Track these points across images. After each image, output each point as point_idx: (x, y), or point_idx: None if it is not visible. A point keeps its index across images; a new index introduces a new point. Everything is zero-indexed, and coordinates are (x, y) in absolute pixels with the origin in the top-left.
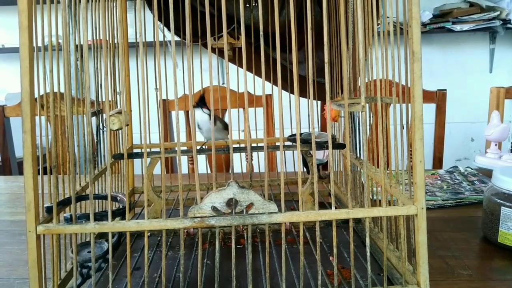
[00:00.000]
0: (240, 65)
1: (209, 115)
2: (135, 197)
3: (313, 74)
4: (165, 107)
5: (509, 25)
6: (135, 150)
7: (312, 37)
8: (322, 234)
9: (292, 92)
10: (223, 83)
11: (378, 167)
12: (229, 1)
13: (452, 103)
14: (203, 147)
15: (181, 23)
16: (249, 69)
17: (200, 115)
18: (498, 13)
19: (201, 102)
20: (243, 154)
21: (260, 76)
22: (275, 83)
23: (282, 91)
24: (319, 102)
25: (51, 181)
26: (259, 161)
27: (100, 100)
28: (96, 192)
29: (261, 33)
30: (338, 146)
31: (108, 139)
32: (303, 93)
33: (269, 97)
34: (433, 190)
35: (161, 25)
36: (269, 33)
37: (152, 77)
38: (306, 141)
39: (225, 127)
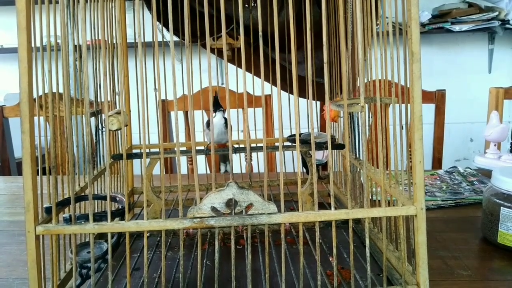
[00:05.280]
0: (239, 66)
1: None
2: (135, 198)
3: (312, 74)
4: (164, 107)
5: (508, 26)
6: (134, 151)
7: (311, 38)
8: (322, 235)
9: (291, 92)
10: (222, 84)
11: (377, 167)
12: (228, 2)
13: (451, 103)
14: (206, 149)
15: (180, 23)
16: (248, 69)
17: (220, 119)
18: (497, 13)
19: (218, 104)
20: (242, 155)
21: (259, 76)
22: (274, 83)
23: (281, 91)
24: (318, 103)
25: (50, 181)
26: (259, 161)
27: (99, 100)
28: (95, 193)
29: (260, 33)
30: (338, 146)
31: (107, 140)
32: (302, 93)
33: (268, 97)
34: (433, 191)
35: (160, 26)
36: (268, 33)
37: (151, 77)
38: (305, 141)
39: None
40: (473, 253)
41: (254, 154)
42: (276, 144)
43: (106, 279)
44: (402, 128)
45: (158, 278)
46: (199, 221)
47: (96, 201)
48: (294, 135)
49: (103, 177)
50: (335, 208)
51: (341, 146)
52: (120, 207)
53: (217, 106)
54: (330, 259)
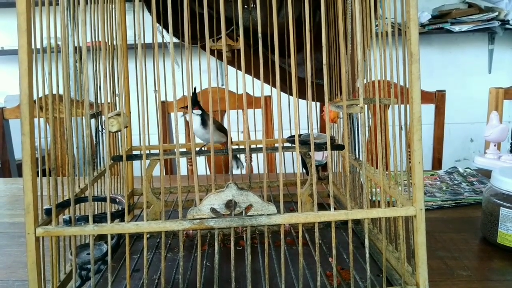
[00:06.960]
0: (239, 67)
1: (199, 115)
2: (134, 199)
3: (312, 75)
4: (164, 108)
5: (507, 26)
6: (134, 152)
7: (311, 39)
8: (321, 235)
9: (291, 93)
10: (222, 85)
11: (377, 168)
12: (227, 3)
13: (451, 103)
14: (203, 149)
15: (179, 25)
16: (248, 71)
17: (195, 120)
18: (496, 13)
19: (192, 101)
20: (242, 156)
21: (259, 78)
22: (273, 85)
23: (281, 92)
24: (318, 104)
25: (50, 183)
26: (258, 162)
27: (99, 102)
28: (95, 194)
29: (260, 35)
30: (337, 147)
31: (107, 141)
32: (302, 94)
33: (268, 99)
34: (432, 191)
35: (160, 27)
36: (268, 35)
37: (151, 79)
38: (305, 142)
39: (219, 128)
40: (473, 253)
41: (253, 155)
42: (276, 145)
43: (106, 280)
44: (402, 129)
45: (158, 280)
46: (198, 222)
47: (96, 202)
48: (294, 136)
49: (103, 179)
50: (335, 209)
51: (340, 147)
52: (120, 208)
53: (194, 103)
54: (330, 260)
